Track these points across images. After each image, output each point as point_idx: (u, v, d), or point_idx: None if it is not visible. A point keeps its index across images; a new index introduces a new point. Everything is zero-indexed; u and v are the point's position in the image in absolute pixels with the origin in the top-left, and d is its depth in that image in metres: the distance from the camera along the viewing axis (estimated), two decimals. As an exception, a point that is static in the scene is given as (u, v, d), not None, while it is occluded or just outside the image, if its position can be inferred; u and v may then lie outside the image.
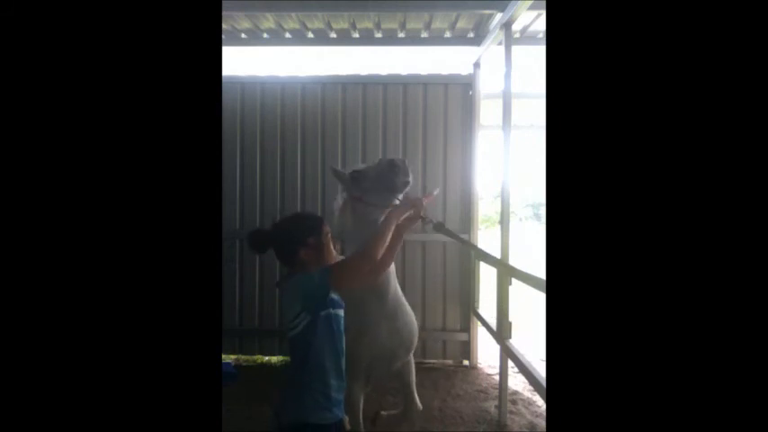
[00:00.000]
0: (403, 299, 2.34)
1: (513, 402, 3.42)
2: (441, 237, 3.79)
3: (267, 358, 4.35)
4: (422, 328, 4.20)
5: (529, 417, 3.22)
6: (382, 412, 2.65)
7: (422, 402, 3.33)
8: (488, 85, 4.43)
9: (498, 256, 3.09)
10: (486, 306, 4.12)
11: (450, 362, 4.27)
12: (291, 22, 4.01)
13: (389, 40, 4.37)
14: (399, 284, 4.11)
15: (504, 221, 3.11)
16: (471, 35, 4.23)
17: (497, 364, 3.30)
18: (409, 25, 4.09)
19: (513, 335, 2.99)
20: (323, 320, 1.65)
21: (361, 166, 2.41)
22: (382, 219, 1.89)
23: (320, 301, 1.65)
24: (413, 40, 4.36)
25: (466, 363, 4.25)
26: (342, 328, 1.73)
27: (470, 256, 4.09)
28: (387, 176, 2.07)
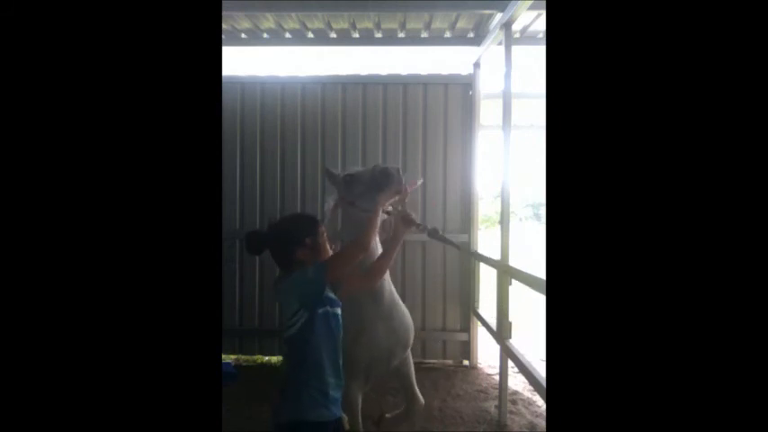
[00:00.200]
0: (398, 299, 2.38)
1: (513, 402, 3.42)
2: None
3: (267, 358, 4.35)
4: (422, 328, 4.21)
5: (529, 417, 3.22)
6: (387, 415, 2.65)
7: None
8: (488, 85, 4.43)
9: (498, 256, 3.09)
10: (486, 306, 4.12)
11: (450, 362, 4.27)
12: (291, 22, 4.01)
13: (389, 40, 4.36)
14: (400, 284, 4.15)
15: (504, 221, 3.11)
16: (471, 35, 4.23)
17: (497, 364, 3.29)
18: (409, 25, 4.09)
19: (513, 335, 2.99)
20: (320, 318, 1.67)
21: (354, 169, 2.42)
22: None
23: (317, 297, 1.67)
24: (413, 40, 4.36)
25: (466, 363, 4.25)
26: (339, 326, 1.75)
27: (470, 256, 4.08)
28: (380, 184, 2.07)
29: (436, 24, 4.05)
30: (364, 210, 2.13)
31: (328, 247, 1.81)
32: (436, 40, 4.34)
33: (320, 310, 1.67)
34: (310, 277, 1.65)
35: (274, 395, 1.87)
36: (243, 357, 4.39)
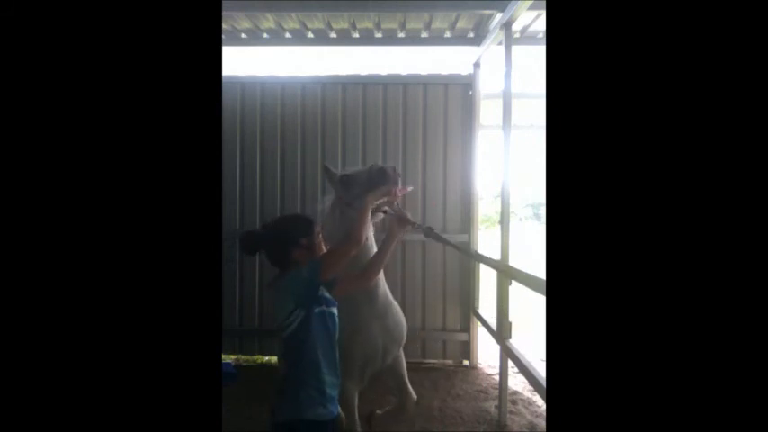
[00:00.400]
0: (391, 298, 2.43)
1: (513, 402, 3.42)
2: (441, 237, 3.79)
3: (267, 358, 4.35)
4: (422, 328, 4.21)
5: (529, 417, 3.22)
6: (377, 411, 2.68)
7: (422, 402, 3.35)
8: (488, 85, 4.44)
9: (498, 256, 3.09)
10: (486, 306, 4.12)
11: (450, 362, 4.27)
12: (291, 22, 4.01)
13: (389, 40, 4.36)
14: (400, 284, 4.15)
15: (504, 221, 3.11)
16: (471, 35, 4.23)
17: (497, 364, 3.30)
18: (409, 25, 4.09)
19: (513, 335, 2.99)
20: (317, 317, 1.69)
21: (351, 169, 2.44)
22: (360, 205, 1.94)
23: (312, 295, 1.68)
24: (413, 40, 4.36)
25: (466, 363, 4.25)
26: (336, 325, 1.77)
27: (470, 256, 4.08)
28: (376, 184, 2.08)
29: (436, 24, 4.05)
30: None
31: (324, 247, 1.82)
32: (436, 40, 4.34)
33: (317, 310, 1.69)
34: (305, 276, 1.67)
35: (272, 395, 1.88)
36: (243, 357, 4.39)
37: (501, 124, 3.11)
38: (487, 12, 3.58)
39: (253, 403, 3.26)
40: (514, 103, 3.23)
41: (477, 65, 4.20)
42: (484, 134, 4.46)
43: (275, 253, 1.78)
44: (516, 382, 3.76)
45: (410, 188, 2.15)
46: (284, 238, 1.76)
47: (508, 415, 3.17)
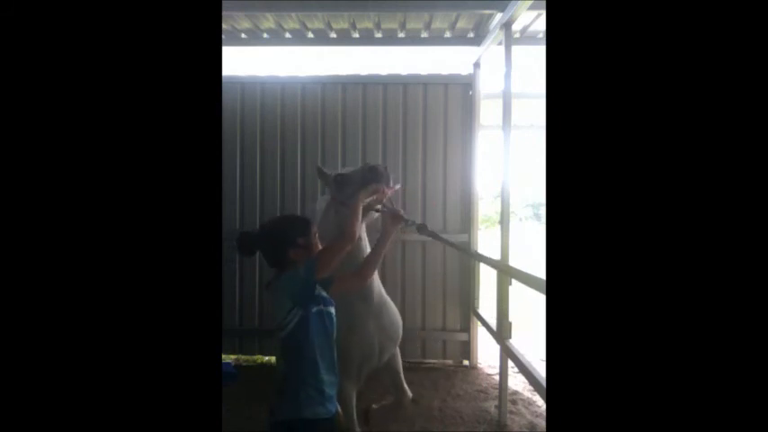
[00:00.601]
0: (386, 297, 2.45)
1: (513, 402, 3.42)
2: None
3: (267, 358, 4.35)
4: (422, 327, 4.21)
5: (529, 417, 3.22)
6: (373, 405, 2.71)
7: (422, 402, 3.36)
8: (488, 85, 4.44)
9: (498, 256, 3.09)
10: (486, 306, 4.12)
11: (450, 362, 4.27)
12: (291, 22, 4.01)
13: (389, 40, 4.36)
14: (400, 284, 4.15)
15: (504, 221, 3.11)
16: (471, 35, 4.23)
17: (497, 364, 3.29)
18: (409, 25, 4.09)
19: (513, 335, 2.99)
20: (315, 316, 1.70)
21: (345, 169, 2.47)
22: (352, 202, 1.95)
23: (309, 294, 1.69)
24: (413, 40, 4.36)
25: (466, 363, 4.25)
26: (333, 324, 1.78)
27: (467, 253, 4.09)
28: (369, 182, 2.09)
29: (436, 24, 4.05)
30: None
31: (320, 246, 1.83)
32: (436, 40, 4.34)
33: (314, 309, 1.70)
34: (302, 275, 1.68)
35: (271, 394, 1.88)
36: (243, 357, 4.39)
37: (501, 124, 3.11)
38: (487, 12, 3.57)
39: (253, 403, 3.26)
40: (514, 103, 3.23)
41: (477, 65, 4.19)
42: (484, 134, 4.45)
43: (273, 253, 1.79)
44: (516, 382, 3.75)
45: (398, 186, 2.17)
46: (281, 238, 1.76)
47: (508, 415, 3.17)
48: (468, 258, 4.11)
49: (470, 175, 4.20)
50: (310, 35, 4.28)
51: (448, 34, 4.24)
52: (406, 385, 2.61)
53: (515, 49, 3.31)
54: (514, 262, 2.94)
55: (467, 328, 4.22)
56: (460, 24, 4.03)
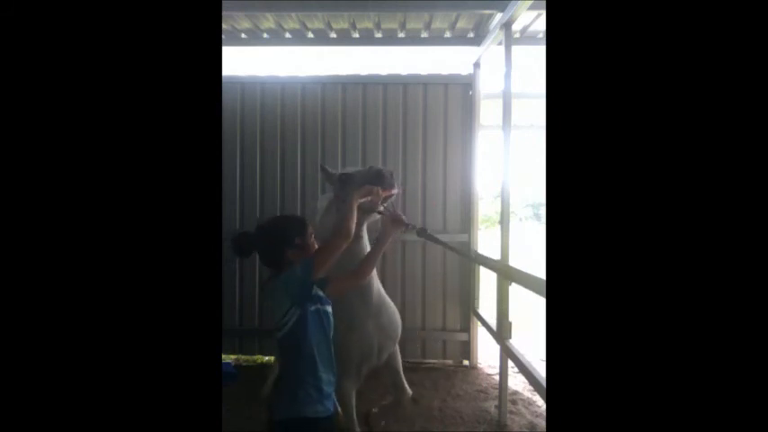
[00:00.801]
0: (385, 296, 2.45)
1: (513, 402, 3.41)
2: (441, 238, 3.79)
3: (267, 358, 4.35)
4: (422, 328, 4.21)
5: (529, 417, 3.22)
6: (373, 409, 2.71)
7: (422, 402, 3.35)
8: (488, 85, 4.43)
9: (498, 256, 3.09)
10: (486, 306, 4.12)
11: (450, 362, 4.27)
12: (291, 22, 4.01)
13: (389, 40, 4.36)
14: (399, 284, 4.15)
15: (504, 221, 3.11)
16: (471, 35, 4.23)
17: (497, 364, 3.29)
18: (409, 25, 4.09)
19: (513, 335, 2.99)
20: (312, 315, 1.71)
21: (350, 169, 2.48)
22: (348, 202, 1.94)
23: (307, 293, 1.70)
24: (413, 40, 4.36)
25: (466, 363, 4.25)
26: (331, 324, 1.78)
27: (470, 256, 4.08)
28: (371, 183, 2.09)
29: (436, 24, 4.05)
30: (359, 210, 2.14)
31: (317, 246, 1.83)
32: (436, 40, 4.34)
33: (312, 308, 1.71)
34: (299, 274, 1.68)
35: (272, 394, 1.89)
36: (243, 357, 4.39)
37: (501, 124, 3.11)
38: (487, 12, 3.57)
39: (253, 403, 3.26)
40: (514, 103, 3.23)
41: (477, 65, 4.19)
42: (484, 134, 4.45)
43: (270, 254, 1.80)
44: (516, 382, 3.75)
45: (395, 191, 2.18)
46: (279, 238, 1.77)
47: (508, 415, 3.17)
48: (465, 259, 4.11)
49: (470, 175, 4.20)
50: (310, 35, 4.28)
51: (448, 34, 4.24)
52: (406, 384, 2.61)
53: (515, 49, 3.31)
54: (514, 262, 2.94)
55: (467, 328, 4.22)
56: (460, 24, 4.03)
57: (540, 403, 3.40)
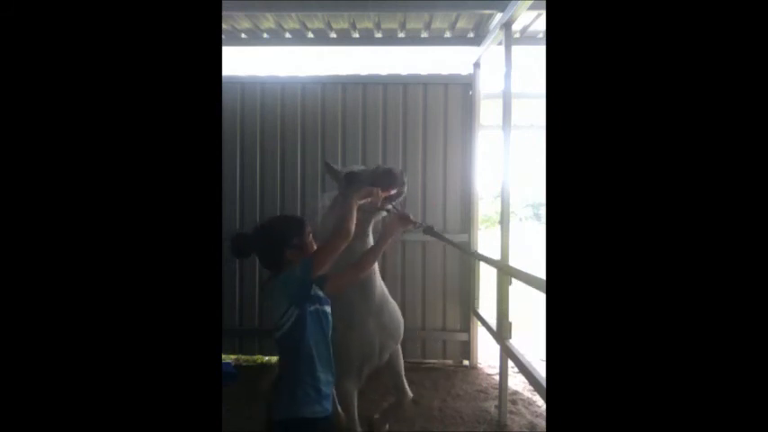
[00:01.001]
0: (388, 295, 2.43)
1: (513, 402, 3.41)
2: (441, 237, 3.79)
3: (267, 358, 4.35)
4: (422, 328, 4.21)
5: (529, 417, 3.22)
6: (375, 416, 2.70)
7: (422, 402, 3.36)
8: (488, 85, 4.43)
9: (498, 256, 3.09)
10: (486, 306, 4.12)
11: (450, 362, 4.27)
12: (291, 22, 4.01)
13: (389, 40, 4.36)
14: (399, 284, 4.15)
15: (504, 221, 3.11)
16: (471, 35, 4.23)
17: (497, 364, 3.29)
18: (409, 25, 4.09)
19: (513, 335, 2.99)
20: (311, 315, 1.71)
21: (356, 167, 2.46)
22: (346, 201, 1.93)
23: (306, 293, 1.69)
24: (413, 40, 4.36)
25: (466, 363, 4.25)
26: (329, 324, 1.78)
27: (470, 254, 4.08)
28: (382, 184, 2.09)
29: (436, 24, 4.05)
30: (364, 210, 2.13)
31: (315, 246, 1.83)
32: (436, 40, 4.34)
33: (311, 308, 1.71)
34: (298, 274, 1.68)
35: (269, 393, 1.89)
36: (243, 357, 4.39)
37: (501, 124, 3.11)
38: (487, 12, 3.57)
39: (253, 403, 3.26)
40: (514, 103, 3.23)
41: (477, 65, 4.19)
42: (484, 134, 4.45)
43: (268, 254, 1.79)
44: (516, 382, 3.75)
45: (394, 191, 2.16)
46: (277, 238, 1.76)
47: (508, 415, 3.17)
48: (469, 258, 4.11)
49: (470, 175, 4.20)
50: (310, 35, 4.28)
51: (448, 34, 4.24)
52: (407, 386, 2.59)
53: (515, 49, 3.31)
54: (514, 262, 2.94)
55: (467, 328, 4.22)
56: (460, 24, 4.03)
57: (540, 403, 3.40)
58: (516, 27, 3.82)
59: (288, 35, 4.28)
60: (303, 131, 4.25)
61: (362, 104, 4.24)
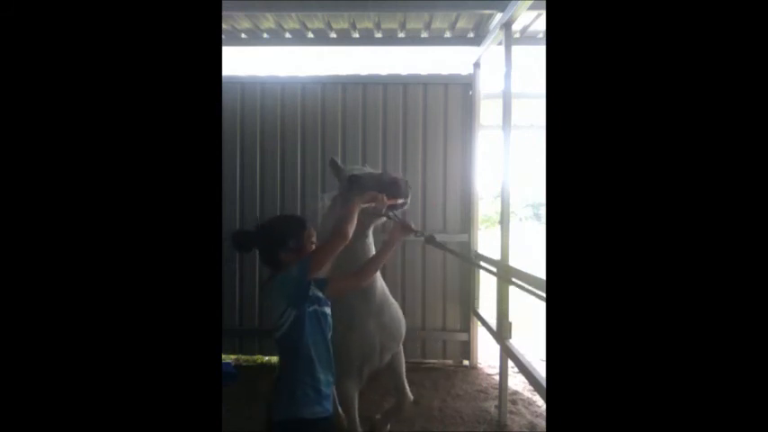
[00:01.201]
0: (389, 296, 2.43)
1: (513, 402, 3.42)
2: (441, 238, 3.79)
3: (267, 358, 4.35)
4: (422, 327, 4.21)
5: (529, 417, 3.22)
6: (376, 416, 2.70)
7: (422, 402, 3.36)
8: (488, 85, 4.43)
9: (498, 256, 3.09)
10: (486, 306, 4.12)
11: (450, 362, 4.27)
12: (291, 22, 4.01)
13: (389, 40, 4.36)
14: (399, 284, 4.15)
15: (504, 221, 3.11)
16: (471, 35, 4.23)
17: (497, 364, 3.29)
18: (409, 25, 4.09)
19: (513, 335, 2.99)
20: (310, 316, 1.71)
21: (359, 169, 2.44)
22: (346, 208, 1.92)
23: (303, 294, 1.69)
24: (413, 40, 4.36)
25: (466, 363, 4.25)
26: (329, 324, 1.78)
27: (471, 263, 4.08)
28: (387, 194, 2.08)
29: (436, 24, 4.05)
30: (364, 213, 2.13)
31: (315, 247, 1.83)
32: (436, 40, 4.34)
33: (310, 309, 1.71)
34: (295, 275, 1.68)
35: (269, 393, 1.89)
36: (243, 357, 4.39)
37: (501, 124, 3.11)
38: (487, 12, 3.57)
39: (253, 403, 3.26)
40: (514, 103, 3.23)
41: (477, 65, 4.19)
42: (484, 134, 4.45)
43: (267, 254, 1.81)
44: (516, 382, 3.75)
45: (401, 201, 2.16)
46: (273, 239, 1.77)
47: (508, 415, 3.17)
48: (469, 260, 4.11)
49: (470, 175, 4.20)
50: (310, 35, 4.28)
51: (448, 34, 4.24)
52: (407, 388, 2.58)
53: (515, 49, 3.31)
54: (514, 262, 2.94)
55: (467, 328, 4.22)
56: (460, 24, 4.03)
57: (540, 403, 3.40)
58: (516, 27, 3.82)
59: (288, 35, 4.28)
60: (303, 131, 4.25)
61: (362, 104, 4.24)
